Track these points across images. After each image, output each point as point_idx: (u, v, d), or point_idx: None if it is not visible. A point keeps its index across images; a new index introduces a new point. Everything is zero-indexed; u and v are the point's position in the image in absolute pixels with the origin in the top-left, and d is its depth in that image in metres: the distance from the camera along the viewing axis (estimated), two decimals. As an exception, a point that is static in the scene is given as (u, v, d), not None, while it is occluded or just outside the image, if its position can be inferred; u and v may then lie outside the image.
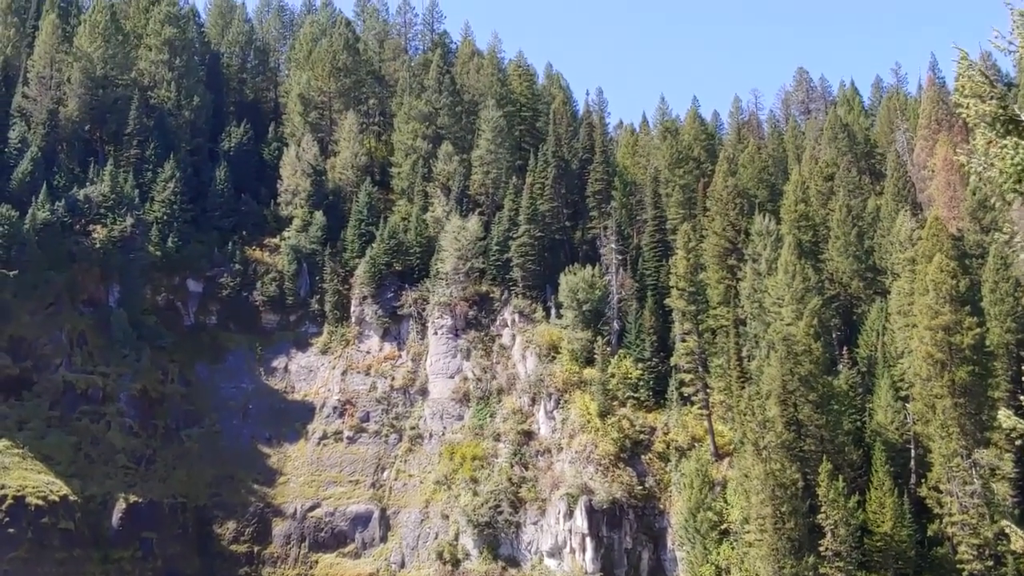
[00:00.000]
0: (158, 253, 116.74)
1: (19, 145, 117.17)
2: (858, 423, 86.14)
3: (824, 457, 75.99)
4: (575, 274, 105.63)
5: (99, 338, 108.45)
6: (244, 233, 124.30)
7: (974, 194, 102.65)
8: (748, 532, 76.62)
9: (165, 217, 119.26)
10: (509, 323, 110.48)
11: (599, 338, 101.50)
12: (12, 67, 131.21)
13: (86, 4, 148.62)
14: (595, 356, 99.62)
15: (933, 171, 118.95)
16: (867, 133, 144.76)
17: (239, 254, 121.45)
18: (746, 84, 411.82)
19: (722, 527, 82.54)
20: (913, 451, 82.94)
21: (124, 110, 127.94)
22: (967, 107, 21.19)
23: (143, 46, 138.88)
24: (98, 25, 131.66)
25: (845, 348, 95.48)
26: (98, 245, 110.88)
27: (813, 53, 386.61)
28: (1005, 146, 20.16)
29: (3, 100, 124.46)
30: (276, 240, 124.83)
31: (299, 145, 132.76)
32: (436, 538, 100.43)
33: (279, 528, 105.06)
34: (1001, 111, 20.39)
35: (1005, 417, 21.91)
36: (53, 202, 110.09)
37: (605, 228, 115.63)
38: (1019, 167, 19.81)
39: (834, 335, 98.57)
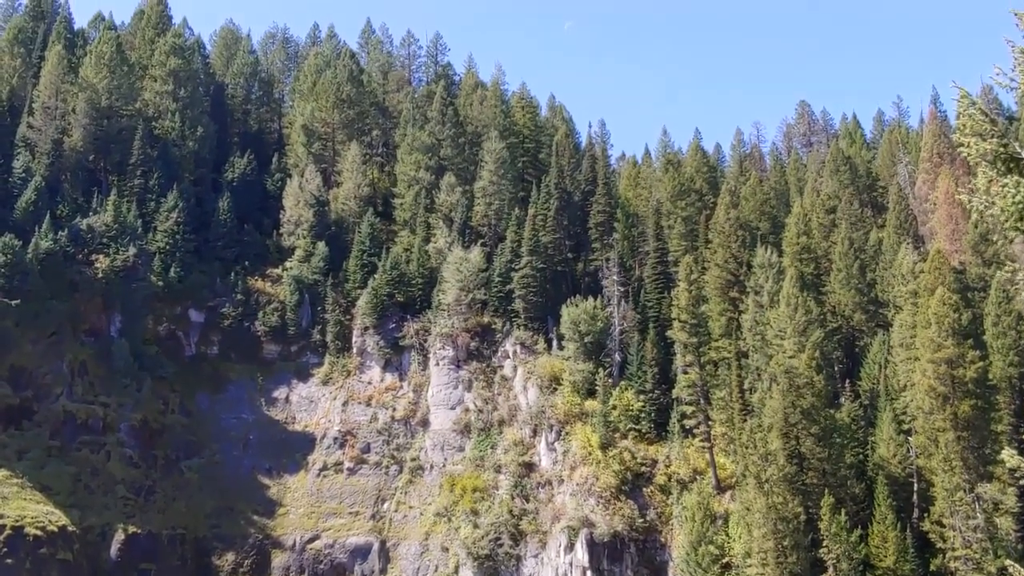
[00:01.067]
0: (160, 283, 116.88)
1: (23, 175, 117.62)
2: (860, 456, 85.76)
3: (826, 491, 75.69)
4: (577, 306, 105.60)
5: (100, 368, 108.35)
6: (246, 263, 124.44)
7: (976, 227, 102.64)
8: (750, 566, 76.08)
9: (168, 247, 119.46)
10: (511, 354, 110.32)
11: (601, 370, 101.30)
12: (18, 97, 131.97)
13: (92, 35, 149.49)
14: (597, 388, 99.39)
15: (935, 204, 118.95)
16: (869, 166, 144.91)
17: (241, 284, 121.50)
18: (748, 116, 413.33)
19: (724, 561, 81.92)
20: (916, 485, 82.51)
21: (128, 140, 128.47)
22: (968, 145, 21.24)
23: (148, 77, 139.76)
24: (104, 56, 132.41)
25: (847, 381, 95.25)
26: (100, 275, 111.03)
27: (815, 86, 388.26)
28: (1006, 184, 20.20)
29: (8, 130, 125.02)
30: (278, 270, 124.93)
31: (302, 176, 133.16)
32: (436, 571, 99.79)
33: (278, 560, 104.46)
34: (1002, 149, 20.43)
35: (1009, 456, 21.83)
36: (56, 231, 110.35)
37: (607, 260, 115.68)
38: (1020, 205, 19.83)
39: (836, 368, 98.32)
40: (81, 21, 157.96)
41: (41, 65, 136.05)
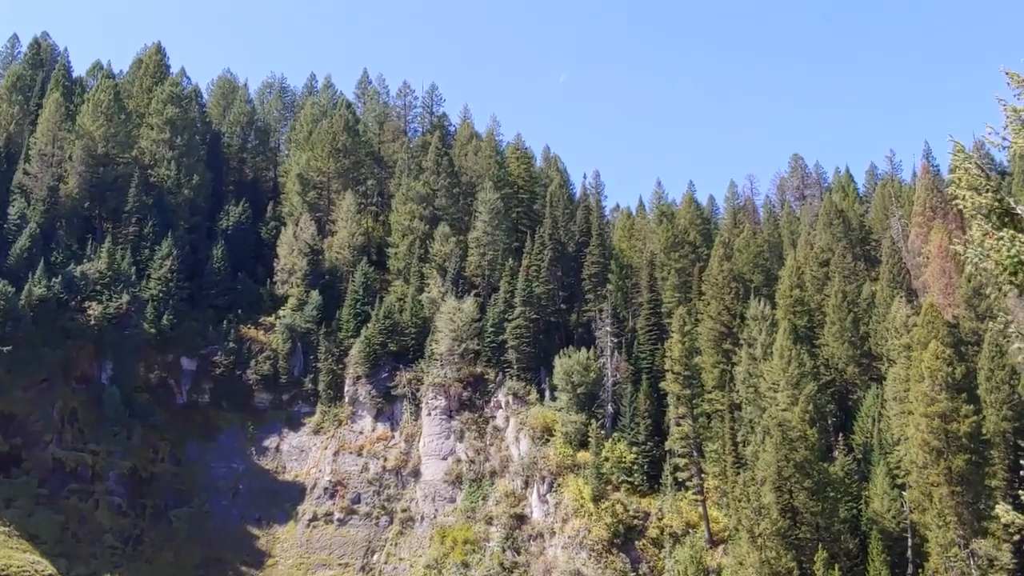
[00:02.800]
0: (152, 330, 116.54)
1: (18, 221, 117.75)
2: (854, 511, 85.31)
3: (820, 545, 75.19)
4: (570, 357, 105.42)
5: (91, 415, 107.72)
6: (239, 311, 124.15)
7: (969, 281, 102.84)
8: (743, 621, 75.43)
9: (161, 294, 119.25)
10: (503, 405, 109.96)
11: (593, 421, 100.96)
12: (15, 144, 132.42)
13: (90, 83, 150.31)
14: (589, 439, 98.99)
15: (928, 258, 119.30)
16: (862, 219, 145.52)
17: (234, 332, 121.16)
18: (742, 169, 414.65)
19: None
20: (910, 540, 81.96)
21: (124, 188, 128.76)
22: (963, 199, 21.32)
23: (145, 125, 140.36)
24: (101, 104, 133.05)
25: (841, 434, 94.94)
26: (93, 322, 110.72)
27: (808, 139, 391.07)
28: (1001, 238, 20.24)
29: (4, 176, 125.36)
30: (271, 319, 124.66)
31: (297, 224, 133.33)
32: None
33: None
34: (996, 204, 20.51)
35: (1004, 511, 21.69)
36: (50, 278, 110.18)
37: (600, 311, 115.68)
38: (1015, 259, 19.86)
39: (829, 421, 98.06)
40: (80, 69, 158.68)
41: (39, 112, 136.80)
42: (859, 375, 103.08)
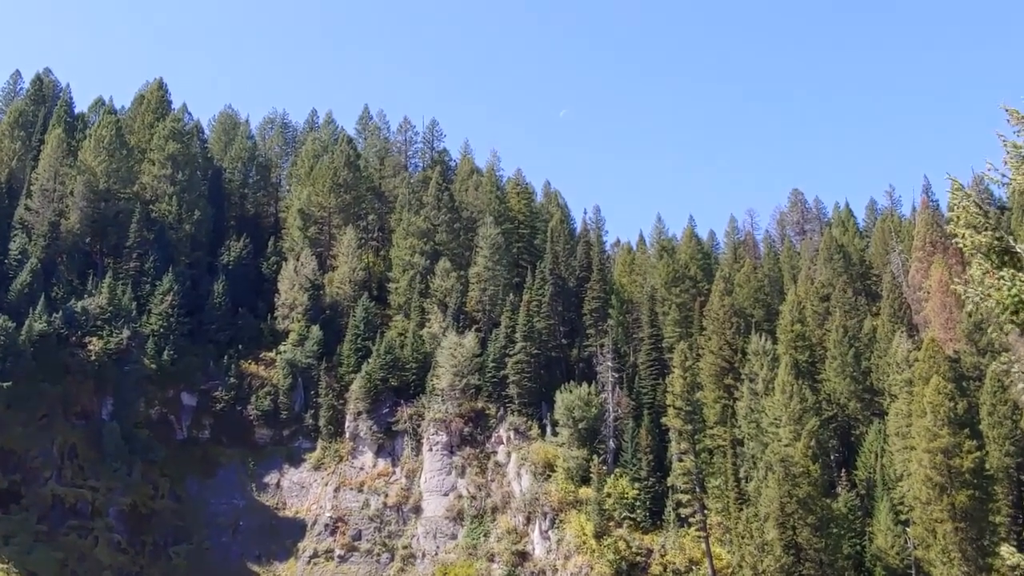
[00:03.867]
0: (153, 366, 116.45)
1: (19, 256, 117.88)
2: (858, 547, 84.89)
3: (823, 582, 74.67)
4: (571, 392, 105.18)
5: (90, 451, 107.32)
6: (240, 347, 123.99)
7: (970, 316, 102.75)
8: (747, 659, 74.87)
9: (162, 330, 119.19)
10: (504, 440, 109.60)
11: (595, 457, 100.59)
12: (17, 179, 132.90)
13: (92, 119, 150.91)
14: (591, 475, 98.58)
15: (928, 293, 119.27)
16: (862, 254, 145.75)
17: (234, 368, 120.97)
18: (742, 204, 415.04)
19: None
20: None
21: (125, 223, 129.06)
22: (963, 237, 21.33)
23: (147, 160, 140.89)
24: (103, 140, 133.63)
25: (843, 470, 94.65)
26: (93, 357, 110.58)
27: (808, 174, 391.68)
28: (1002, 277, 20.22)
29: (6, 212, 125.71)
30: (272, 354, 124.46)
31: (298, 259, 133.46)
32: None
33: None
34: (996, 242, 20.51)
35: (1009, 553, 21.55)
36: (51, 313, 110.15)
37: (602, 346, 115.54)
38: (1016, 298, 19.83)
39: (832, 456, 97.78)
40: (82, 105, 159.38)
41: (41, 148, 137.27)
42: (861, 410, 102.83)
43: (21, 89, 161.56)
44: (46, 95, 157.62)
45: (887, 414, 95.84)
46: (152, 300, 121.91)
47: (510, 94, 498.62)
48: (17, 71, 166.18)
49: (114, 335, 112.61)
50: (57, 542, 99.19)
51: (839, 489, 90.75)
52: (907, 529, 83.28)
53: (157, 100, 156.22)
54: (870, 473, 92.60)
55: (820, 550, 78.91)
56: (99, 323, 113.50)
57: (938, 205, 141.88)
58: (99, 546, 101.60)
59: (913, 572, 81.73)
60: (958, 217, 21.77)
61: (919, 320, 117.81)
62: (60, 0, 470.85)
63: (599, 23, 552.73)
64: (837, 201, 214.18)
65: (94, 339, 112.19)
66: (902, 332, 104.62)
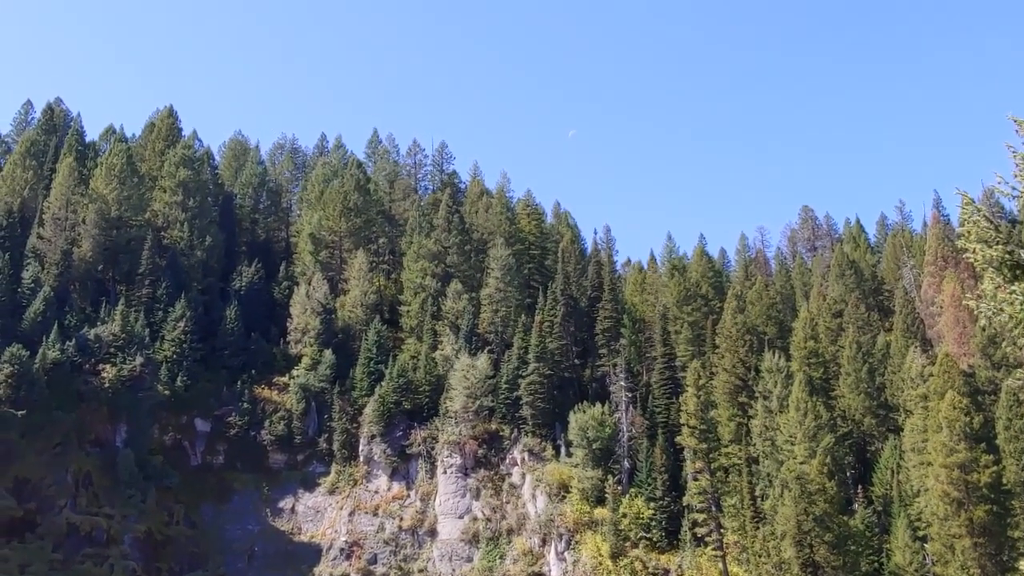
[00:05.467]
0: (167, 392, 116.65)
1: (32, 285, 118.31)
2: (876, 564, 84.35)
3: (842, 600, 74.21)
4: (585, 412, 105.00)
5: (105, 479, 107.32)
6: (253, 372, 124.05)
7: (984, 330, 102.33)
8: None
9: (175, 356, 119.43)
10: (519, 461, 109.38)
11: (610, 477, 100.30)
12: (29, 208, 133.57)
13: (103, 147, 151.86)
14: (606, 495, 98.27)
15: (941, 307, 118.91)
16: (874, 270, 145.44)
17: (248, 393, 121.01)
18: (752, 221, 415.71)
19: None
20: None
21: (137, 250, 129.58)
22: (974, 252, 21.25)
23: (158, 188, 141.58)
24: (114, 168, 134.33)
25: (860, 487, 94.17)
26: (107, 385, 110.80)
27: (818, 191, 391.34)
28: (1014, 291, 20.14)
29: (18, 241, 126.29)
30: (285, 379, 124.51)
31: (309, 284, 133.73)
32: None
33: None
34: (1008, 256, 20.44)
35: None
36: (64, 341, 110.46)
37: (614, 366, 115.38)
38: (1028, 312, 19.74)
39: (848, 473, 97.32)
40: (92, 134, 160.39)
41: (52, 177, 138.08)
42: (876, 426, 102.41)
43: (32, 119, 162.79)
44: (57, 124, 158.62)
45: (902, 430, 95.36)
46: (165, 327, 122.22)
47: (519, 116, 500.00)
48: (28, 101, 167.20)
49: (127, 362, 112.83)
50: (73, 570, 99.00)
51: (856, 506, 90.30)
52: (925, 545, 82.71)
53: (167, 127, 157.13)
54: (887, 489, 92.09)
55: (838, 568, 78.44)
56: (112, 350, 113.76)
57: (949, 219, 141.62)
58: (115, 573, 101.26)
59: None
60: (969, 232, 21.72)
61: (932, 335, 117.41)
62: (70, 30, 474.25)
63: (605, 42, 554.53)
64: (848, 217, 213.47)
65: (107, 366, 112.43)
66: (916, 347, 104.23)
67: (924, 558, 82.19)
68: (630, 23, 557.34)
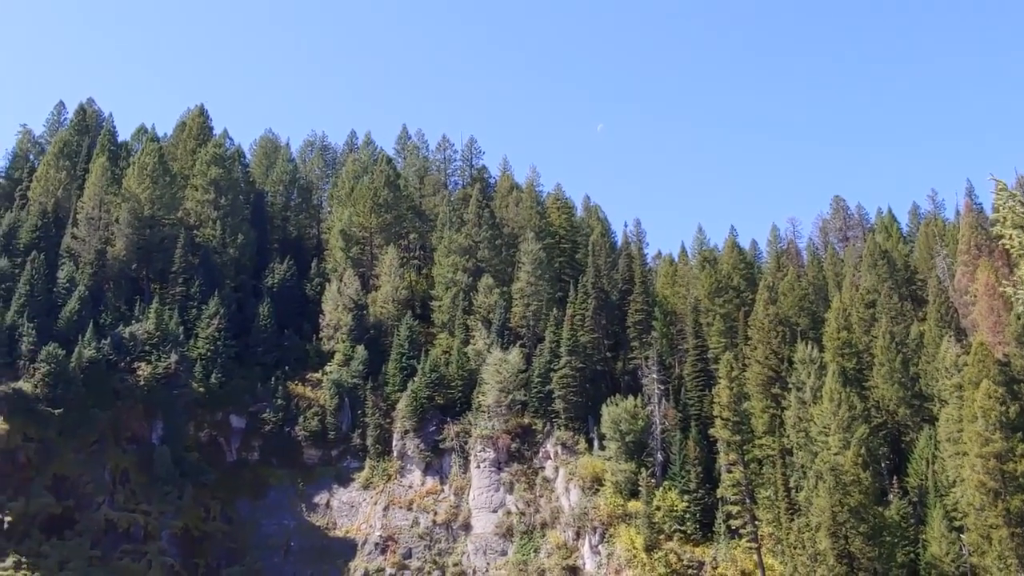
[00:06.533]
0: (201, 389, 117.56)
1: (67, 285, 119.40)
2: (912, 555, 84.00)
3: (878, 591, 73.96)
4: (617, 405, 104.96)
5: (142, 475, 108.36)
6: (287, 368, 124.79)
7: (1019, 319, 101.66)
8: (802, 671, 74.24)
9: (209, 353, 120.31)
10: (552, 455, 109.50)
11: (643, 470, 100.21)
12: (63, 209, 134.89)
13: (135, 147, 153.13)
14: (640, 488, 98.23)
15: (975, 296, 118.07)
16: (907, 259, 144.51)
17: (282, 389, 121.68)
18: (783, 212, 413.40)
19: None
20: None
21: (170, 249, 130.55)
22: (1010, 238, 21.19)
23: (190, 186, 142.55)
24: (146, 167, 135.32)
25: (895, 477, 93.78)
26: (142, 382, 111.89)
27: (849, 181, 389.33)
28: (1052, 278, 20.06)
29: (53, 241, 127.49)
30: (318, 375, 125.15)
31: (341, 280, 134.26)
32: None
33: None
34: (1046, 242, 20.34)
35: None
36: (99, 340, 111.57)
37: (646, 358, 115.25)
38: (1068, 299, 19.67)
39: (883, 464, 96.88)
40: (124, 134, 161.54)
41: (85, 177, 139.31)
42: (911, 416, 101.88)
43: (65, 119, 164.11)
44: (89, 125, 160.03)
45: (937, 420, 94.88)
46: (199, 324, 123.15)
47: (547, 110, 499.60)
48: (61, 102, 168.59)
49: (162, 360, 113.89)
50: (111, 566, 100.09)
51: (891, 497, 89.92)
52: (961, 536, 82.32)
53: (199, 126, 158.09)
54: (922, 480, 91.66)
55: (873, 559, 78.19)
56: (147, 348, 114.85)
57: (982, 208, 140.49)
58: (152, 569, 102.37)
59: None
60: (1004, 218, 21.64)
61: (967, 324, 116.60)
62: (101, 31, 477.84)
63: (633, 36, 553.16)
64: (879, 207, 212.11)
65: (143, 364, 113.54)
66: (950, 337, 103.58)
67: (960, 549, 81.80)
68: (658, 16, 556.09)
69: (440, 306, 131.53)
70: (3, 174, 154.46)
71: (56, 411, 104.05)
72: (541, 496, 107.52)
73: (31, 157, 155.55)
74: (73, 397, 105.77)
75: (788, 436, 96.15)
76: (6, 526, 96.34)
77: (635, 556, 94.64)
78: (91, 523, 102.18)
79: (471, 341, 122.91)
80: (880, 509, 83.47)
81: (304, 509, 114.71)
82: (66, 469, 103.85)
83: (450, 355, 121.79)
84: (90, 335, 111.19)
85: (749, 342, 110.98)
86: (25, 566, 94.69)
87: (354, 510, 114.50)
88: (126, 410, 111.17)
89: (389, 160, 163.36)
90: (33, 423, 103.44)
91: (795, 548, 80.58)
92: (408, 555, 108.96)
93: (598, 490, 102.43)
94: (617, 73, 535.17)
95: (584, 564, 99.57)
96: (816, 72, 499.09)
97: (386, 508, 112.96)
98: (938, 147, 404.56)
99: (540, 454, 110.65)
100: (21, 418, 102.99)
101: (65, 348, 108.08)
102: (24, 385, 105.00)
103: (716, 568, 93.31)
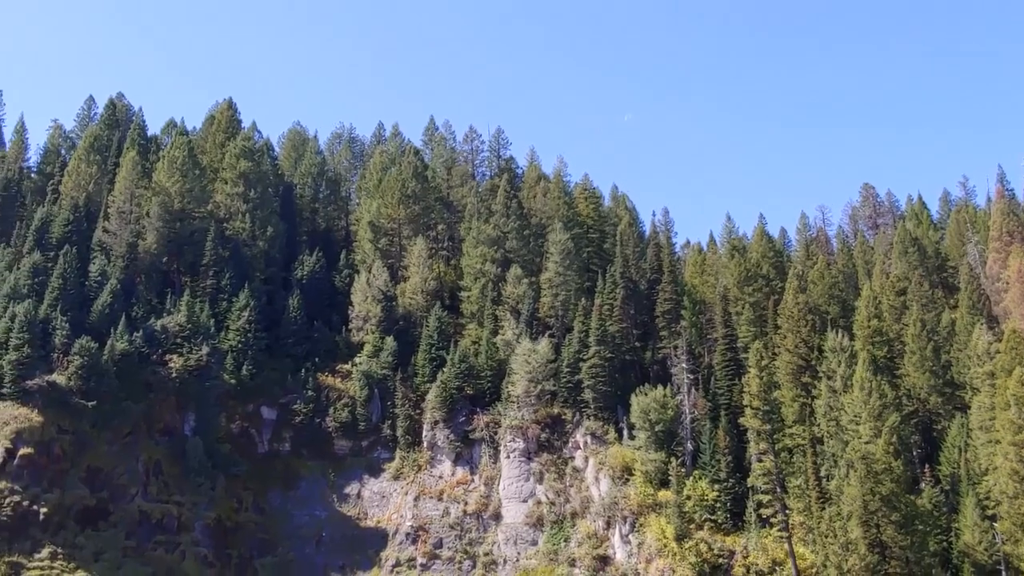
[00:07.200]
0: (233, 381, 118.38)
1: (99, 278, 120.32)
2: (944, 544, 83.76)
3: (911, 580, 73.77)
4: (646, 395, 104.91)
5: (174, 467, 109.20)
6: (316, 360, 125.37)
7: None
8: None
9: (240, 345, 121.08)
10: (581, 445, 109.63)
11: (673, 459, 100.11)
12: (94, 203, 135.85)
13: (165, 141, 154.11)
14: (670, 478, 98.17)
15: (1007, 283, 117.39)
16: (937, 247, 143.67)
17: (312, 381, 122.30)
18: (812, 200, 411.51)
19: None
20: (1004, 572, 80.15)
21: (200, 242, 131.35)
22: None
23: (219, 179, 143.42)
24: (176, 160, 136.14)
25: (927, 466, 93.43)
26: (174, 374, 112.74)
27: (878, 168, 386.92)
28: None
29: (85, 235, 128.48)
30: (348, 366, 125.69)
31: (370, 271, 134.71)
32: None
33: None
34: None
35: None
36: (131, 333, 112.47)
37: (675, 348, 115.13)
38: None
39: (914, 452, 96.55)
40: (154, 128, 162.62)
41: (116, 171, 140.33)
42: (943, 404, 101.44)
43: (95, 114, 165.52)
44: (119, 119, 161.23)
45: (969, 408, 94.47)
46: (229, 316, 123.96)
47: (574, 100, 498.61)
48: (91, 97, 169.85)
49: (194, 352, 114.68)
50: (145, 557, 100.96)
51: (923, 485, 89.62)
52: (994, 524, 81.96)
53: (227, 120, 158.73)
54: (954, 468, 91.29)
55: (905, 548, 77.98)
56: (179, 341, 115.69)
57: (1014, 194, 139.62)
58: (186, 560, 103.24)
59: (1003, 568, 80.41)
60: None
61: (999, 311, 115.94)
62: (129, 26, 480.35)
63: (659, 23, 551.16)
64: (910, 194, 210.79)
65: (174, 356, 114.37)
66: (982, 324, 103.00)
67: (994, 537, 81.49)
68: (685, 3, 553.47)
69: (469, 297, 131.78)
70: (35, 169, 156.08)
71: (90, 403, 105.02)
72: (571, 486, 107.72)
73: (62, 152, 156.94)
74: (106, 389, 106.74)
75: (819, 425, 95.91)
76: (42, 518, 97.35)
77: (666, 545, 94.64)
78: (125, 514, 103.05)
79: (500, 331, 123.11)
80: (912, 498, 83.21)
81: (335, 499, 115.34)
82: (100, 461, 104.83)
83: (479, 345, 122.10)
84: (122, 328, 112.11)
85: (779, 331, 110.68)
86: (61, 557, 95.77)
87: (385, 500, 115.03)
88: (158, 402, 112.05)
89: (417, 151, 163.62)
90: (67, 415, 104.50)
91: (826, 537, 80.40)
92: (439, 545, 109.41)
93: (628, 480, 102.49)
94: (644, 62, 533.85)
95: (614, 554, 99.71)
96: (846, 59, 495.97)
97: (417, 498, 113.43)
98: (969, 133, 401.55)
99: (570, 444, 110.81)
100: (55, 410, 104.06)
101: (98, 341, 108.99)
102: (58, 378, 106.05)
103: (747, 557, 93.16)
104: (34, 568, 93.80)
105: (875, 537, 77.86)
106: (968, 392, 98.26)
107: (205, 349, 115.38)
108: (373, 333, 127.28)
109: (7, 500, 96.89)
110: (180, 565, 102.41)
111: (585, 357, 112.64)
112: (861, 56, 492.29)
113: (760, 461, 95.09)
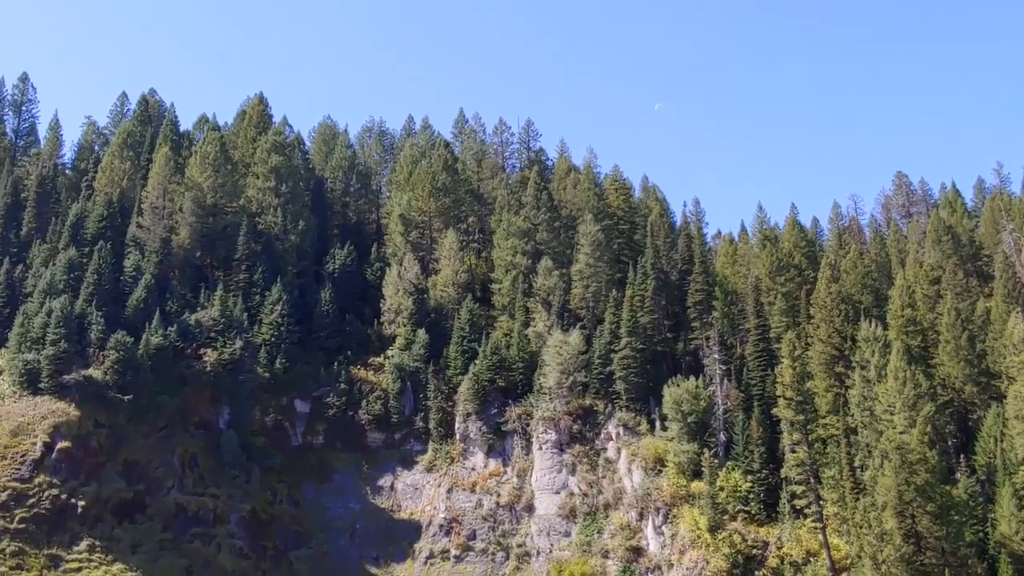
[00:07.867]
0: (266, 374, 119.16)
1: (134, 273, 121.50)
2: (981, 534, 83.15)
3: (946, 571, 73.64)
4: (679, 386, 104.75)
5: (210, 460, 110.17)
6: (349, 353, 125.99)
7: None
8: (870, 651, 73.87)
9: (273, 339, 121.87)
10: (614, 436, 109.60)
11: (706, 450, 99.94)
12: (127, 199, 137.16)
13: (197, 136, 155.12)
14: (702, 469, 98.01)
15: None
16: (971, 235, 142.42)
17: (344, 374, 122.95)
18: (844, 189, 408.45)
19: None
20: (1041, 563, 79.53)
21: (233, 236, 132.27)
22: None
23: (251, 174, 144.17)
24: (208, 156, 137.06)
25: (962, 456, 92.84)
26: (209, 368, 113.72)
27: (911, 156, 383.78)
28: None
29: (119, 231, 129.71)
30: (380, 359, 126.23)
31: (401, 264, 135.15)
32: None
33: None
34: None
35: None
36: (166, 327, 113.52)
37: (707, 338, 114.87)
38: None
39: (949, 442, 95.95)
40: (186, 123, 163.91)
41: (149, 167, 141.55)
42: (978, 394, 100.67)
43: (128, 110, 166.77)
44: (152, 115, 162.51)
45: (1005, 397, 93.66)
46: (262, 310, 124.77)
47: (604, 91, 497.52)
48: (124, 93, 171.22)
49: (227, 346, 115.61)
50: (182, 549, 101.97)
51: (958, 475, 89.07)
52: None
53: (258, 115, 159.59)
54: (990, 458, 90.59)
55: (941, 538, 77.52)
56: (213, 335, 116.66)
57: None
58: (222, 552, 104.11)
59: (1040, 558, 79.79)
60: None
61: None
62: (161, 22, 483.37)
63: (689, 13, 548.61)
64: (943, 182, 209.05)
65: (208, 350, 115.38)
66: (1017, 312, 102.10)
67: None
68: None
69: (500, 289, 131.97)
70: (70, 165, 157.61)
71: (126, 397, 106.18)
72: (603, 477, 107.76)
73: (96, 148, 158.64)
74: (142, 383, 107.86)
75: (852, 415, 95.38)
76: (79, 511, 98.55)
77: (699, 537, 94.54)
78: (161, 507, 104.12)
79: (531, 323, 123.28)
80: (947, 488, 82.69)
81: (369, 492, 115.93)
82: (136, 454, 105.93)
83: (511, 337, 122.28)
84: (157, 322, 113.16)
85: (811, 321, 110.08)
86: (99, 550, 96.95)
87: (418, 492, 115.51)
88: (193, 396, 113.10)
89: (447, 144, 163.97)
90: (104, 409, 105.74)
91: (861, 528, 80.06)
92: (472, 536, 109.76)
93: (660, 471, 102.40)
94: (674, 52, 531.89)
95: (648, 545, 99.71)
96: (877, 46, 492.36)
97: (450, 490, 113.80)
98: (1004, 119, 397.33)
99: (602, 435, 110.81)
100: (92, 404, 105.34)
101: (133, 335, 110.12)
102: (94, 372, 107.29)
103: (781, 548, 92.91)
104: (72, 560, 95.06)
105: (910, 528, 77.48)
106: (1004, 381, 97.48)
107: (239, 343, 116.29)
108: (405, 326, 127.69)
109: (46, 493, 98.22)
110: (216, 557, 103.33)
111: (616, 348, 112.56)
112: (894, 43, 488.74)
113: (793, 452, 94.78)
